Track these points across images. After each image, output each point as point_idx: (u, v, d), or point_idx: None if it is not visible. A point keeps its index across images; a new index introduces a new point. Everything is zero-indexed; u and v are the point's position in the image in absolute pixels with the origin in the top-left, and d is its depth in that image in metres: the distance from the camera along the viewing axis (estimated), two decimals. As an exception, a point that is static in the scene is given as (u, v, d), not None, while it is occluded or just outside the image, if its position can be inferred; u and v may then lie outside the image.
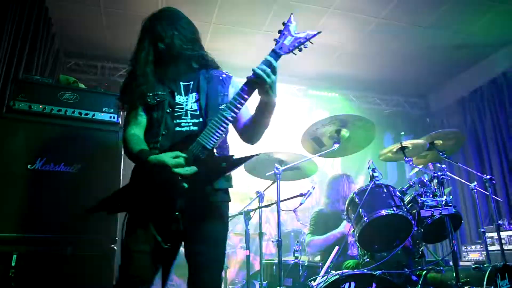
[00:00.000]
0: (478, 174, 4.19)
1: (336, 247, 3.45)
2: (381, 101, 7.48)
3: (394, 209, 3.09)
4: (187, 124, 2.09)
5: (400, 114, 7.65)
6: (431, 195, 3.15)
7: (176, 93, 2.15)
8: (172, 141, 2.01)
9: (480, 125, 6.47)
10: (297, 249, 3.89)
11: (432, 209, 3.01)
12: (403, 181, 7.17)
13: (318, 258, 4.20)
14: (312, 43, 1.99)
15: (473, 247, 5.00)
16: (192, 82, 2.19)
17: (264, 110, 2.07)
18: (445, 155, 3.76)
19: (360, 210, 3.14)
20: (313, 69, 6.59)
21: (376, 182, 3.26)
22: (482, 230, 3.96)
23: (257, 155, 2.00)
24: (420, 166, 3.81)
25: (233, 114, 1.94)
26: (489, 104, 6.31)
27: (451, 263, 3.11)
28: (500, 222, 4.08)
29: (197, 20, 2.32)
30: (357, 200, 3.24)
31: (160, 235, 1.89)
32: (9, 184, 2.80)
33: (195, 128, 2.08)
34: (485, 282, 2.90)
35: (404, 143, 3.61)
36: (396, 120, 7.64)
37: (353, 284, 2.83)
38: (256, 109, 2.10)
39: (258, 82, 1.93)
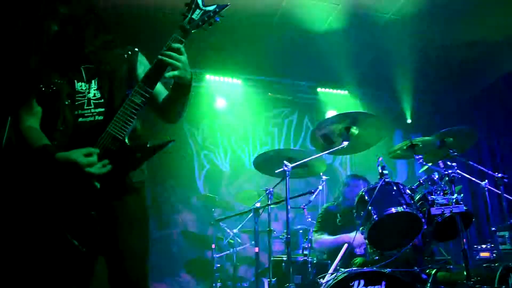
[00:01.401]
0: (490, 172, 4.13)
1: (346, 245, 3.44)
2: (390, 99, 7.42)
3: (404, 207, 3.07)
4: (90, 114, 1.88)
5: (410, 112, 7.59)
6: (442, 193, 3.12)
7: (76, 80, 1.91)
8: (73, 135, 1.81)
9: (492, 123, 6.40)
10: (306, 246, 3.89)
11: (442, 207, 2.98)
12: (413, 179, 7.12)
13: (325, 256, 4.19)
14: (222, 16, 1.87)
15: (483, 246, 4.94)
16: (94, 65, 1.95)
17: (181, 89, 1.92)
18: (456, 153, 3.71)
19: (370, 208, 3.12)
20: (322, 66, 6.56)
21: (386, 180, 3.24)
22: (493, 229, 3.92)
23: (172, 140, 1.85)
24: (430, 164, 3.77)
25: (143, 99, 1.79)
26: (501, 101, 6.24)
27: (461, 261, 3.08)
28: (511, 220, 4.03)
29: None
30: (366, 197, 3.23)
31: (75, 238, 1.71)
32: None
33: (100, 117, 1.88)
34: (496, 281, 2.87)
35: (414, 141, 3.58)
36: (406, 117, 7.58)
37: (362, 282, 2.81)
38: (172, 88, 1.96)
39: (167, 65, 1.80)
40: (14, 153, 1.88)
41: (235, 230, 4.93)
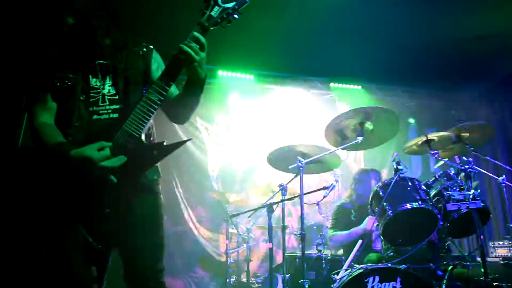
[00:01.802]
0: (507, 167, 4.07)
1: (360, 241, 3.42)
2: (404, 93, 7.34)
3: (419, 202, 3.04)
4: (105, 112, 1.86)
5: (424, 106, 7.50)
6: (458, 189, 3.08)
7: (90, 76, 1.88)
8: (89, 131, 1.79)
9: (509, 116, 6.29)
10: (320, 242, 3.88)
11: (459, 203, 2.95)
12: (428, 174, 7.04)
13: (341, 251, 4.18)
14: (241, 13, 1.83)
15: (500, 242, 4.88)
16: (109, 61, 1.92)
17: (193, 88, 1.89)
18: (472, 148, 3.66)
19: (384, 203, 3.10)
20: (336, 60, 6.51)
21: (401, 175, 3.21)
22: (511, 225, 3.87)
23: (189, 139, 1.90)
24: (446, 159, 3.72)
25: (160, 97, 1.77)
26: (518, 94, 6.13)
27: (478, 258, 3.05)
28: (529, 217, 3.97)
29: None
30: (381, 193, 3.20)
31: (90, 235, 1.72)
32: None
33: (115, 115, 1.86)
34: (514, 278, 2.83)
35: (430, 136, 3.54)
36: (420, 112, 7.50)
37: (377, 278, 2.80)
38: (184, 87, 1.92)
39: (185, 60, 1.76)
40: (30, 151, 1.89)
41: (248, 226, 4.94)
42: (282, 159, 3.68)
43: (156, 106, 1.77)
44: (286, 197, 3.56)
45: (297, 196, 3.53)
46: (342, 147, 3.50)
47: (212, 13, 1.80)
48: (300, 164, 3.28)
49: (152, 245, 1.90)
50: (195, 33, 1.78)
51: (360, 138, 3.38)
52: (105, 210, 1.71)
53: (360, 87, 7.05)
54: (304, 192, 3.29)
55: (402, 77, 7.00)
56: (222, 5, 1.81)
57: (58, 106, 1.85)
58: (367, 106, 3.49)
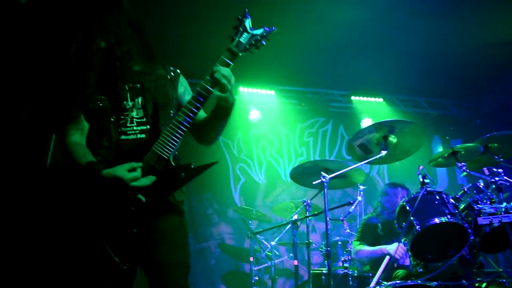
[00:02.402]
0: (539, 178, 3.94)
1: (387, 257, 3.34)
2: (427, 104, 7.24)
3: (448, 216, 2.95)
4: (133, 132, 1.89)
5: (447, 117, 7.37)
6: (489, 202, 2.99)
7: (121, 98, 1.92)
8: (117, 151, 1.83)
9: (538, 126, 6.10)
10: (346, 259, 3.81)
11: (490, 217, 2.85)
12: (454, 187, 6.88)
13: (367, 267, 4.09)
14: (269, 39, 1.89)
15: (535, 256, 4.70)
16: (138, 85, 1.95)
17: (222, 113, 1.93)
18: (502, 159, 3.56)
19: (412, 218, 3.02)
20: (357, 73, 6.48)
21: (428, 189, 3.13)
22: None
23: (216, 162, 1.88)
24: (474, 171, 3.63)
25: (189, 120, 1.80)
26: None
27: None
28: None
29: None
30: (408, 208, 3.13)
31: (116, 254, 1.72)
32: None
33: (143, 135, 1.89)
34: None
35: (456, 148, 3.46)
36: (444, 123, 7.36)
37: (407, 295, 2.72)
38: (213, 111, 1.95)
39: (217, 86, 1.81)
40: (59, 170, 1.92)
41: (272, 243, 4.90)
42: (305, 174, 3.66)
43: (185, 129, 1.80)
44: (311, 213, 3.52)
45: (321, 212, 3.49)
46: (366, 161, 3.46)
47: (241, 39, 1.86)
48: (324, 179, 3.25)
49: (179, 264, 1.91)
50: (225, 58, 1.84)
51: (384, 152, 3.34)
52: (133, 230, 1.73)
53: (381, 99, 6.99)
54: (329, 207, 3.25)
55: (424, 87, 6.92)
56: (251, 31, 1.86)
57: (90, 126, 1.89)
58: (390, 119, 3.45)
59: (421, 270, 3.21)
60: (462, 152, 3.49)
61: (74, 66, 1.83)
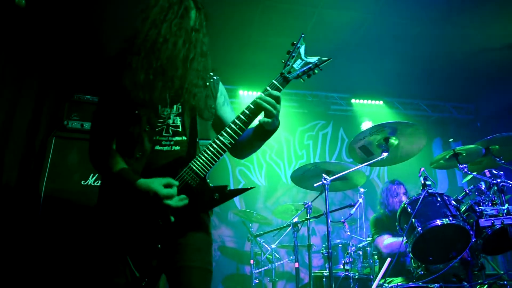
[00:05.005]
0: (540, 180, 3.93)
1: (389, 259, 3.32)
2: (427, 107, 7.24)
3: (450, 218, 2.95)
4: (168, 143, 1.79)
5: (448, 120, 7.37)
6: (490, 204, 2.98)
7: (160, 106, 1.80)
8: (149, 161, 1.73)
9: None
10: (347, 261, 3.80)
11: (492, 219, 2.84)
12: (455, 189, 6.88)
13: (367, 270, 4.07)
14: (321, 69, 1.82)
15: (537, 259, 4.69)
16: (180, 92, 1.81)
17: (265, 136, 1.86)
18: (503, 161, 3.55)
19: (413, 220, 3.02)
20: (357, 76, 6.48)
21: (429, 191, 3.13)
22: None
23: (253, 187, 1.87)
24: (475, 173, 3.62)
25: (232, 140, 1.73)
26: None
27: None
28: None
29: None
30: (409, 210, 3.12)
31: (137, 269, 1.65)
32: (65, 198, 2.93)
33: (177, 147, 1.80)
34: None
35: (458, 150, 3.45)
36: (444, 126, 7.36)
37: (409, 297, 2.71)
38: (255, 132, 1.87)
39: (263, 110, 1.74)
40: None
41: (273, 245, 4.88)
42: (306, 177, 3.65)
43: (226, 150, 1.73)
44: (311, 216, 3.51)
45: (322, 214, 3.48)
46: (367, 163, 3.45)
47: (295, 66, 1.80)
48: (325, 181, 3.25)
49: (200, 268, 1.79)
50: (276, 83, 1.77)
51: (385, 154, 3.34)
52: (157, 246, 1.67)
53: (381, 102, 6.99)
54: (330, 210, 3.24)
55: (424, 90, 6.92)
56: (305, 59, 1.81)
57: (122, 134, 1.78)
58: (392, 121, 3.44)
59: (423, 272, 3.19)
60: (464, 154, 3.49)
61: (118, 74, 1.74)
